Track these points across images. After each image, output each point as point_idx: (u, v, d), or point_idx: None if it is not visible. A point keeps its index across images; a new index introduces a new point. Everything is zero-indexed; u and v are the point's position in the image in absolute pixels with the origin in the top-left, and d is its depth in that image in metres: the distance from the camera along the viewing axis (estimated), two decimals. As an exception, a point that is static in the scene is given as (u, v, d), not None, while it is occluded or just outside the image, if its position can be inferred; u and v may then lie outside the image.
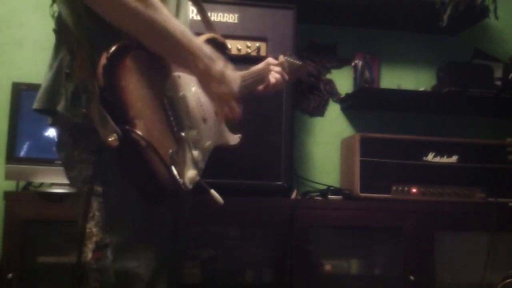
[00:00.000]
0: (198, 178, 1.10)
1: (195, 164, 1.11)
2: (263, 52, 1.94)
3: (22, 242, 1.75)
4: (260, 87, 1.47)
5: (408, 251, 1.95)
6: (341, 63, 2.47)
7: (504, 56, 2.51)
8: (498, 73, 2.37)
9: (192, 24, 1.90)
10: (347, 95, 2.37)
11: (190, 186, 1.08)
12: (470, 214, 2.01)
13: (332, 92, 2.45)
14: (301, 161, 2.36)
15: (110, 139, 0.91)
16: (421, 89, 2.40)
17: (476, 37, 2.56)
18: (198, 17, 1.91)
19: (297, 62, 1.61)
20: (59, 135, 1.11)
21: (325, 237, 2.03)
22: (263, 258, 1.95)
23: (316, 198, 2.09)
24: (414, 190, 2.04)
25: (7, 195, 1.78)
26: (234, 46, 1.92)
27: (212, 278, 1.92)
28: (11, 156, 1.89)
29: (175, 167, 1.01)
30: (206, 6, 1.91)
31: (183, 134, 1.09)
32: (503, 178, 2.07)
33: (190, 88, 1.17)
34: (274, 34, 1.95)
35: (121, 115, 0.93)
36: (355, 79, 2.40)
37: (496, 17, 2.15)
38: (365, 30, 2.49)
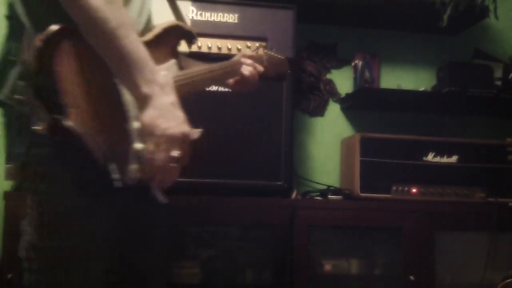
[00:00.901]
0: (139, 174, 1.02)
1: (140, 158, 1.03)
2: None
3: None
4: (231, 81, 1.41)
5: (408, 251, 1.95)
6: (341, 63, 2.46)
7: (504, 56, 2.51)
8: (498, 73, 2.37)
9: (193, 24, 1.91)
10: (347, 95, 2.37)
11: (131, 182, 1.01)
12: (470, 214, 2.01)
13: (332, 92, 2.45)
14: (301, 161, 2.36)
15: (38, 128, 0.87)
16: (421, 89, 2.40)
17: (476, 37, 2.56)
18: (199, 17, 1.92)
19: (279, 56, 1.55)
20: (6, 126, 1.08)
21: (325, 237, 2.03)
22: (263, 258, 1.95)
23: (316, 198, 2.09)
24: (414, 190, 2.04)
25: (7, 195, 1.77)
26: (234, 46, 1.92)
27: (212, 278, 1.92)
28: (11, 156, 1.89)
29: (117, 161, 0.96)
30: (206, 6, 1.93)
31: (130, 125, 1.02)
32: (503, 178, 2.07)
33: None
34: (274, 34, 1.95)
35: (55, 102, 0.89)
36: (355, 79, 2.40)
37: (496, 17, 2.15)
38: (365, 30, 2.49)
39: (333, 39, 2.47)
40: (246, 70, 1.37)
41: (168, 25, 1.18)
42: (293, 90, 1.97)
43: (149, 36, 1.12)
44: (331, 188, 2.20)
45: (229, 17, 1.94)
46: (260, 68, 1.41)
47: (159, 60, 1.09)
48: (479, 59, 2.53)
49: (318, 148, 2.41)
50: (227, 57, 1.43)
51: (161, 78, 0.98)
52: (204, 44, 1.91)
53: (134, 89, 0.96)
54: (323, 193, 2.11)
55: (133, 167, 1.00)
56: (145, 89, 0.95)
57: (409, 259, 1.94)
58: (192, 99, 1.86)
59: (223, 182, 1.86)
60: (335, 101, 2.45)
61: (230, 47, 1.92)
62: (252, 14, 1.95)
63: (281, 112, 1.92)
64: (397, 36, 2.52)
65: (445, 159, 2.07)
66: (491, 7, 2.15)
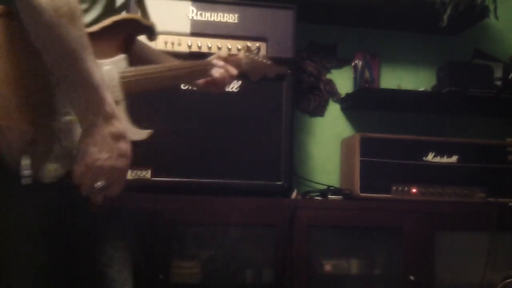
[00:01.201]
0: (61, 172, 0.97)
1: (62, 156, 0.97)
2: (263, 52, 1.94)
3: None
4: (201, 81, 1.37)
5: (408, 251, 1.95)
6: (341, 63, 2.47)
7: (504, 56, 2.51)
8: (498, 73, 2.37)
9: (193, 24, 1.91)
10: (347, 95, 2.37)
11: (49, 180, 0.95)
12: (470, 214, 2.01)
13: (332, 92, 2.45)
14: (301, 161, 2.36)
15: None
16: (421, 89, 2.40)
17: (476, 37, 2.56)
18: (199, 17, 1.92)
19: (263, 60, 1.52)
20: None
21: (325, 237, 2.03)
22: (263, 258, 1.95)
23: (316, 198, 2.09)
24: (414, 190, 2.04)
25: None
26: (234, 46, 1.92)
27: (212, 278, 1.92)
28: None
29: (36, 156, 0.92)
30: (206, 6, 1.93)
31: (53, 122, 0.96)
32: (503, 178, 2.07)
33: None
34: (274, 34, 1.95)
35: None
36: (355, 79, 2.40)
37: (496, 17, 2.15)
38: (365, 30, 2.49)
39: (333, 39, 2.47)
40: (217, 72, 1.34)
41: (120, 18, 1.12)
42: (293, 90, 1.97)
43: (95, 27, 1.06)
44: (331, 188, 2.20)
45: (229, 17, 1.94)
46: (233, 71, 1.38)
47: (104, 53, 1.06)
48: (479, 59, 2.53)
49: (318, 148, 2.41)
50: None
51: (109, 107, 0.94)
52: (204, 44, 1.91)
53: (80, 112, 0.93)
54: (323, 193, 2.11)
55: (52, 166, 0.96)
56: (90, 117, 0.92)
57: (409, 259, 1.94)
58: (192, 99, 1.87)
59: (223, 182, 1.86)
60: (335, 101, 2.45)
61: (230, 47, 1.92)
62: (252, 14, 1.95)
63: (281, 112, 1.92)
64: (397, 36, 2.52)
65: (445, 159, 2.07)
66: (491, 7, 2.15)
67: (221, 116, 1.89)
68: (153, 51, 1.40)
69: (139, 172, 1.81)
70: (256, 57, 1.49)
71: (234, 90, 1.91)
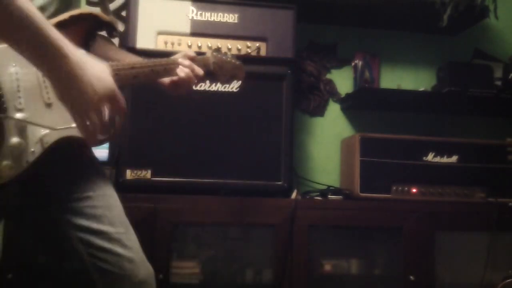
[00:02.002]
0: (13, 171, 0.93)
1: (14, 154, 0.93)
2: (263, 52, 1.94)
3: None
4: (166, 81, 1.32)
5: (408, 251, 1.95)
6: (341, 63, 2.47)
7: (504, 56, 2.51)
8: (498, 73, 2.37)
9: (193, 24, 1.91)
10: (347, 95, 2.37)
11: (3, 180, 0.93)
12: (470, 214, 2.01)
13: (332, 92, 2.45)
14: (301, 161, 2.36)
15: None
16: (421, 89, 2.40)
17: (476, 37, 2.56)
18: (199, 17, 1.92)
19: (232, 60, 1.46)
20: None
21: (325, 237, 2.03)
22: (263, 258, 1.95)
23: (316, 198, 2.09)
24: (414, 190, 2.04)
25: None
26: (234, 46, 1.92)
27: (212, 278, 1.92)
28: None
29: None
30: (206, 6, 1.93)
31: (1, 115, 0.93)
32: (503, 178, 2.07)
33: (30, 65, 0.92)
34: (274, 34, 1.95)
35: None
36: (355, 79, 2.40)
37: (496, 17, 2.15)
38: (365, 30, 2.49)
39: (333, 39, 2.47)
40: (182, 71, 1.29)
41: (78, 12, 1.08)
42: (293, 90, 1.97)
43: (51, 21, 1.02)
44: (331, 188, 2.20)
45: (229, 17, 1.94)
46: (199, 71, 1.32)
47: None
48: (479, 59, 2.53)
49: (318, 148, 2.41)
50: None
51: (55, 45, 0.87)
52: (204, 44, 1.91)
53: (41, 67, 0.87)
54: (323, 193, 2.11)
55: (4, 163, 0.93)
56: (49, 66, 0.87)
57: (409, 259, 1.94)
58: (192, 99, 1.87)
59: (223, 182, 1.86)
60: (335, 101, 2.45)
61: (230, 47, 1.92)
62: (252, 14, 1.95)
63: (281, 112, 1.92)
64: (397, 36, 2.52)
65: (445, 159, 2.07)
66: (491, 7, 2.15)
67: (221, 116, 1.89)
68: (115, 48, 1.37)
69: (139, 172, 1.81)
70: (224, 57, 1.44)
71: (234, 90, 1.91)
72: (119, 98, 0.94)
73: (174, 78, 1.30)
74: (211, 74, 1.40)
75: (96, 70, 0.91)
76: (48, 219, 1.11)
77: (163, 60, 1.27)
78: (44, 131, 1.00)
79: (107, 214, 1.13)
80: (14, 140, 0.93)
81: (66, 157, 1.08)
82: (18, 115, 0.95)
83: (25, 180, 0.99)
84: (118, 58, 1.23)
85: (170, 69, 1.28)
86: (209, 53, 1.41)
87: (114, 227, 1.12)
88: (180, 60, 1.30)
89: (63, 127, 1.03)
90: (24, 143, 0.95)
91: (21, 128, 0.97)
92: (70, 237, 1.10)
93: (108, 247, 1.10)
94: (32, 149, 0.98)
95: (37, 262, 1.08)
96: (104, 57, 1.21)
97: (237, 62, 1.46)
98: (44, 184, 1.08)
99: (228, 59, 1.45)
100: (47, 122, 1.01)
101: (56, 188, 1.10)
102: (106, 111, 0.92)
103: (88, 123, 0.90)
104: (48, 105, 1.01)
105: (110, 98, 0.93)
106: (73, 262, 1.11)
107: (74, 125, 0.99)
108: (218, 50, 1.50)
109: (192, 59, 1.33)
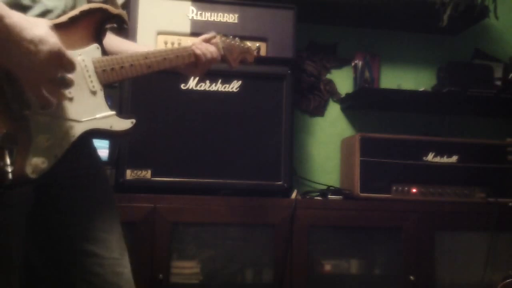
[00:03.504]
0: (45, 166, 0.94)
1: (44, 150, 0.94)
2: (263, 52, 1.94)
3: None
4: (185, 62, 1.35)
5: (408, 251, 1.95)
6: (341, 63, 2.47)
7: (504, 56, 2.51)
8: (498, 73, 2.37)
9: (193, 24, 1.91)
10: (347, 95, 2.37)
11: (33, 176, 0.93)
12: (470, 214, 2.01)
13: (332, 92, 2.45)
14: (301, 161, 2.36)
15: None
16: (421, 89, 2.40)
17: (476, 37, 2.56)
18: (199, 17, 1.92)
19: (240, 44, 1.52)
20: None
21: (325, 237, 2.03)
22: (263, 258, 1.95)
23: (316, 198, 2.09)
24: (414, 190, 2.04)
25: (7, 195, 1.77)
26: (234, 46, 1.92)
27: (212, 278, 1.92)
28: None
29: (10, 152, 0.89)
30: (206, 6, 1.93)
31: (27, 112, 0.93)
32: (503, 178, 2.07)
33: None
34: (274, 34, 1.95)
35: None
36: (355, 79, 2.40)
37: (496, 17, 2.14)
38: (365, 30, 2.49)
39: (333, 39, 2.47)
40: (197, 49, 1.35)
41: (87, 7, 1.10)
42: (293, 90, 1.97)
43: (63, 18, 1.04)
44: (331, 188, 2.20)
45: (229, 17, 1.94)
46: (213, 49, 1.39)
47: (76, 43, 1.05)
48: (479, 59, 2.53)
49: (318, 148, 2.41)
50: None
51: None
52: (204, 44, 1.90)
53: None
54: (323, 193, 2.11)
55: (36, 160, 0.94)
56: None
57: (409, 259, 1.94)
58: (192, 99, 1.87)
59: (223, 182, 1.86)
60: (335, 101, 2.45)
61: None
62: (252, 14, 1.95)
63: (281, 112, 1.92)
64: (397, 36, 2.52)
65: (445, 159, 2.07)
66: (491, 7, 2.14)
67: (221, 116, 1.89)
68: (127, 41, 1.39)
69: (139, 172, 1.81)
70: (233, 42, 1.49)
71: (234, 90, 1.91)
72: (65, 53, 0.92)
73: (191, 59, 1.35)
74: (221, 59, 1.45)
75: (37, 30, 0.88)
76: (51, 225, 1.12)
77: (175, 48, 1.32)
78: (70, 124, 1.02)
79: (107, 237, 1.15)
80: (42, 135, 0.95)
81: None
82: (43, 110, 0.96)
83: (40, 184, 1.00)
84: (131, 50, 1.25)
85: (182, 56, 1.32)
86: (218, 39, 1.45)
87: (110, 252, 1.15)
88: (193, 47, 1.35)
89: (87, 118, 1.05)
90: (52, 137, 0.97)
91: (48, 122, 0.98)
92: (69, 248, 1.12)
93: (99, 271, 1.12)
94: (59, 143, 1.00)
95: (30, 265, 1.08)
96: (117, 50, 1.24)
97: (246, 46, 1.52)
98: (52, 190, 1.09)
99: (237, 43, 1.50)
100: (72, 115, 1.03)
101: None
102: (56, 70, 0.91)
103: (41, 86, 0.89)
104: (70, 99, 1.02)
105: (56, 54, 0.90)
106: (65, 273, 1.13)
107: (98, 115, 1.06)
108: (224, 35, 1.52)
109: (205, 40, 1.40)
